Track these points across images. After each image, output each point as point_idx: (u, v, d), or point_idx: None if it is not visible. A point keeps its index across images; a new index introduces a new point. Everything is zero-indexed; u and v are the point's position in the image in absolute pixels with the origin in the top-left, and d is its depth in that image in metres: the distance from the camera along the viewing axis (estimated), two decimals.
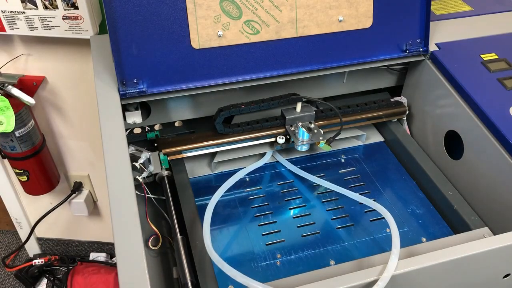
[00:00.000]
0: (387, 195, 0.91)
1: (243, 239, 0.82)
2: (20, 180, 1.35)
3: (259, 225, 0.85)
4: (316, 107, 0.98)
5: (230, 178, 0.89)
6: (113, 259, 1.78)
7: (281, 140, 0.93)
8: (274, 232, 0.84)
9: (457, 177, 0.90)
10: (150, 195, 0.86)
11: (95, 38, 0.99)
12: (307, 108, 0.94)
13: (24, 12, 1.06)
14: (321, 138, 0.91)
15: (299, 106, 0.92)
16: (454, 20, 1.06)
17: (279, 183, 0.94)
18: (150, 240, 0.81)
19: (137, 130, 0.94)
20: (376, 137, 1.06)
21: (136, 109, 0.93)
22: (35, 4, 1.05)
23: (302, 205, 0.89)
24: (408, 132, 1.04)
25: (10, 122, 1.15)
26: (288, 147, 0.97)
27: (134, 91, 0.83)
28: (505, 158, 0.79)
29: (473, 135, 0.86)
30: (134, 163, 0.82)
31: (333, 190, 0.91)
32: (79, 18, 1.06)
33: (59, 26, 1.08)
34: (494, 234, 0.80)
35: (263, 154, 0.97)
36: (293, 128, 0.92)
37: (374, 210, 0.86)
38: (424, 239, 0.82)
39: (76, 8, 1.04)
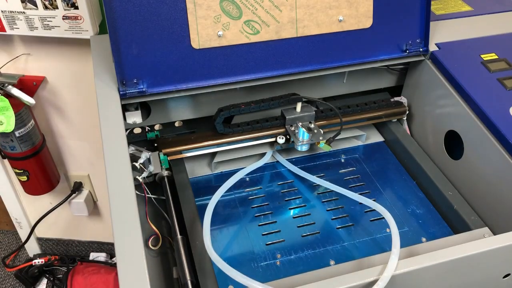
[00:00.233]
0: (387, 195, 0.91)
1: (243, 239, 0.82)
2: (20, 180, 1.35)
3: (259, 225, 0.85)
4: (316, 107, 0.98)
5: (230, 178, 0.89)
6: (113, 259, 1.78)
7: (281, 140, 0.93)
8: (274, 232, 0.84)
9: (457, 177, 0.90)
10: (150, 195, 0.86)
11: (95, 38, 0.99)
12: (307, 108, 0.94)
13: (24, 12, 1.06)
14: (321, 138, 0.91)
15: (299, 106, 0.92)
16: (454, 20, 1.06)
17: (279, 183, 0.94)
18: (150, 240, 0.81)
19: (137, 130, 0.94)
20: (376, 137, 1.06)
21: (136, 109, 0.93)
22: (35, 4, 1.05)
23: (302, 205, 0.89)
24: (408, 132, 1.04)
25: (10, 122, 1.15)
26: (288, 147, 0.97)
27: (134, 91, 0.83)
28: (505, 158, 0.79)
29: (473, 135, 0.86)
30: (134, 163, 0.82)
31: (333, 190, 0.91)
32: (79, 18, 1.06)
33: (59, 26, 1.08)
34: (494, 234, 0.80)
35: (263, 154, 0.97)
36: (293, 128, 0.92)
37: (374, 210, 0.86)
38: (424, 239, 0.82)
39: (76, 8, 1.04)
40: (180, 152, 0.91)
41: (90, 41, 0.98)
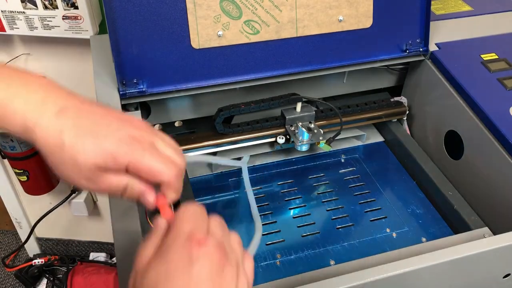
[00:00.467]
0: (387, 195, 0.91)
1: (243, 239, 0.81)
2: (20, 180, 1.35)
3: None
4: (316, 107, 0.98)
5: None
6: (113, 259, 1.78)
7: (281, 140, 0.93)
8: (274, 232, 0.84)
9: (457, 177, 0.90)
10: None
11: (95, 38, 0.99)
12: (307, 108, 0.93)
13: (24, 12, 1.06)
14: (321, 138, 0.91)
15: (299, 106, 0.92)
16: (454, 20, 1.06)
17: (279, 183, 0.94)
18: None
19: None
20: (376, 137, 1.06)
21: (136, 109, 0.93)
22: (35, 4, 1.05)
23: (302, 205, 0.89)
24: (408, 132, 1.04)
25: None
26: (288, 147, 0.97)
27: (134, 91, 0.83)
28: (505, 158, 0.79)
29: (473, 135, 0.86)
30: None
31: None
32: (79, 18, 1.06)
33: (59, 26, 1.08)
34: (494, 234, 0.80)
35: (263, 154, 0.97)
36: (293, 128, 0.92)
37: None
38: (424, 239, 0.82)
39: (76, 8, 1.04)
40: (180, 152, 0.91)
41: (90, 41, 0.98)
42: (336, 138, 0.93)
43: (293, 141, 0.92)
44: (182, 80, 0.85)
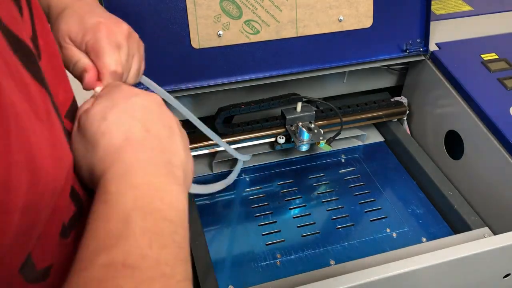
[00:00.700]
0: (387, 195, 0.91)
1: (243, 239, 0.82)
2: None
3: (259, 225, 0.85)
4: (316, 107, 0.98)
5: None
6: None
7: (281, 140, 0.93)
8: (274, 232, 0.84)
9: (457, 177, 0.90)
10: None
11: None
12: (307, 108, 0.93)
13: None
14: (321, 138, 0.91)
15: (299, 106, 0.92)
16: (454, 20, 1.06)
17: (279, 183, 0.93)
18: None
19: None
20: (376, 137, 1.06)
21: None
22: None
23: (302, 205, 0.89)
24: (408, 132, 1.04)
25: None
26: (288, 147, 0.97)
27: None
28: (505, 158, 0.79)
29: (473, 135, 0.86)
30: None
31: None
32: None
33: None
34: (494, 234, 0.80)
35: (263, 154, 0.97)
36: (293, 128, 0.92)
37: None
38: (424, 239, 0.82)
39: None
40: None
41: None
42: (336, 138, 0.93)
43: (293, 141, 0.92)
44: (182, 80, 0.85)
